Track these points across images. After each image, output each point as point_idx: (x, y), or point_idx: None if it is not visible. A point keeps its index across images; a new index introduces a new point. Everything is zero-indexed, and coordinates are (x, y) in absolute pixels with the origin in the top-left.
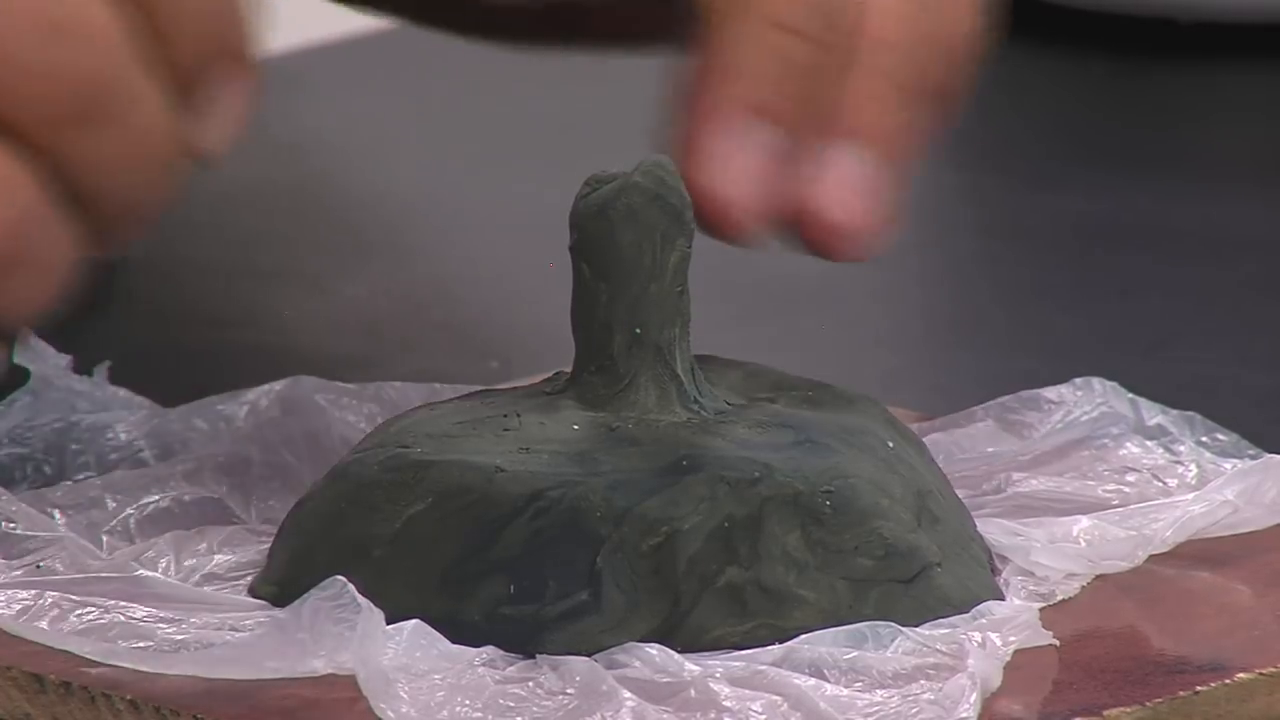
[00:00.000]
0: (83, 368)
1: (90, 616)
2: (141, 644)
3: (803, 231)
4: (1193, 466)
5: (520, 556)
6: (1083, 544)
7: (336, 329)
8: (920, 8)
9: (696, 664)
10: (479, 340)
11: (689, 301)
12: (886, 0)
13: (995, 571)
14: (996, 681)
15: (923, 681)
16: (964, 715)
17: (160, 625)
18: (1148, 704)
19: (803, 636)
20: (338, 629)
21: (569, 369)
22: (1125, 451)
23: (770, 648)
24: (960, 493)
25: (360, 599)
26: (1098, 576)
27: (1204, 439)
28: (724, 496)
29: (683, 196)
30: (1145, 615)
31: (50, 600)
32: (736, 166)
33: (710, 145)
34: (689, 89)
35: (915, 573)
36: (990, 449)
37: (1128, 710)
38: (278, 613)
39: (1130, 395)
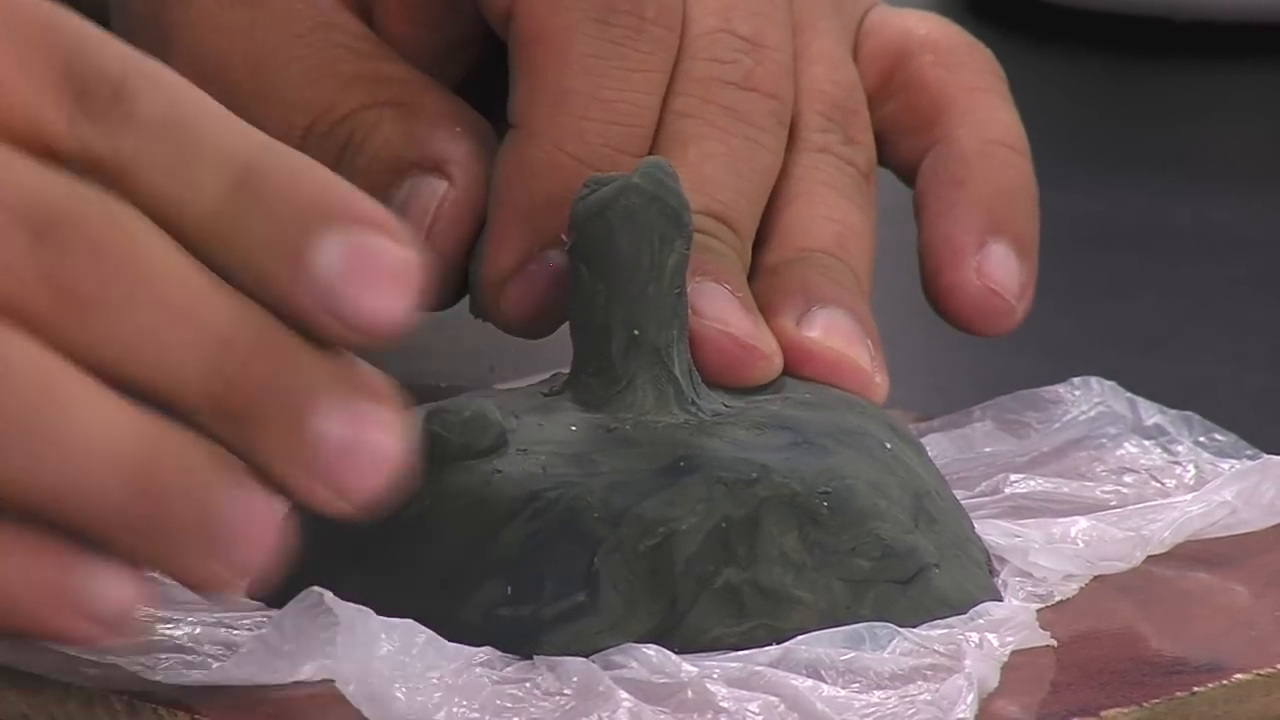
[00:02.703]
0: None
1: None
2: (139, 644)
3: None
4: (1190, 467)
5: (518, 557)
6: (1080, 545)
7: None
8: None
9: (693, 664)
10: (475, 341)
11: (687, 303)
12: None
13: (993, 572)
14: (994, 682)
15: (920, 682)
16: (961, 716)
17: (158, 625)
18: (1145, 704)
19: (800, 637)
20: (326, 634)
21: (567, 370)
22: (1123, 452)
23: (767, 648)
24: (958, 493)
25: (340, 606)
26: (1095, 577)
27: (1202, 439)
28: (721, 497)
29: (681, 198)
30: (1143, 616)
31: None
32: (1003, 268)
33: (986, 255)
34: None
35: (913, 574)
36: (988, 449)
37: (1125, 711)
38: (273, 612)
39: (1128, 395)
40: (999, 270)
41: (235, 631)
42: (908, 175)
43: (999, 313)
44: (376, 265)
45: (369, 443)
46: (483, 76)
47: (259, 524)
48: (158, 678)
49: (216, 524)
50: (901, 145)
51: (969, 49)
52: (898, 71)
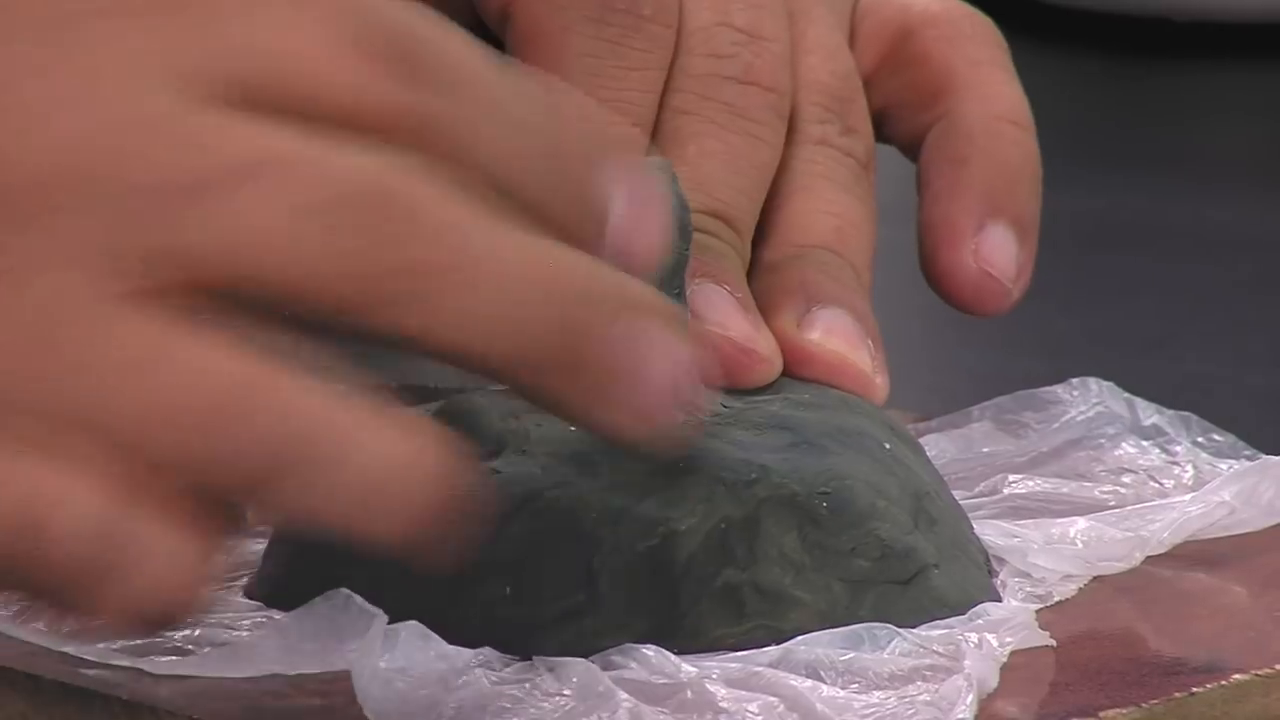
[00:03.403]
0: None
1: None
2: (138, 644)
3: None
4: (1189, 467)
5: (517, 557)
6: (1079, 545)
7: None
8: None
9: (693, 665)
10: None
11: (687, 304)
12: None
13: (992, 573)
14: (993, 683)
15: (919, 683)
16: (960, 716)
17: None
18: (1144, 705)
19: (800, 638)
20: (339, 635)
21: None
22: (1121, 452)
23: (767, 649)
24: (957, 494)
25: (368, 607)
26: (1094, 578)
27: (1200, 439)
28: (721, 498)
29: (681, 199)
30: (1142, 616)
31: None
32: (1001, 252)
33: (984, 238)
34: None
35: (912, 574)
36: (987, 449)
37: (1124, 711)
38: (276, 615)
39: (1126, 395)
40: (996, 253)
41: (235, 632)
42: (911, 151)
43: (994, 295)
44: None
45: (667, 379)
46: None
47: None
48: (160, 668)
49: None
50: (905, 121)
51: (970, 20)
52: (900, 48)
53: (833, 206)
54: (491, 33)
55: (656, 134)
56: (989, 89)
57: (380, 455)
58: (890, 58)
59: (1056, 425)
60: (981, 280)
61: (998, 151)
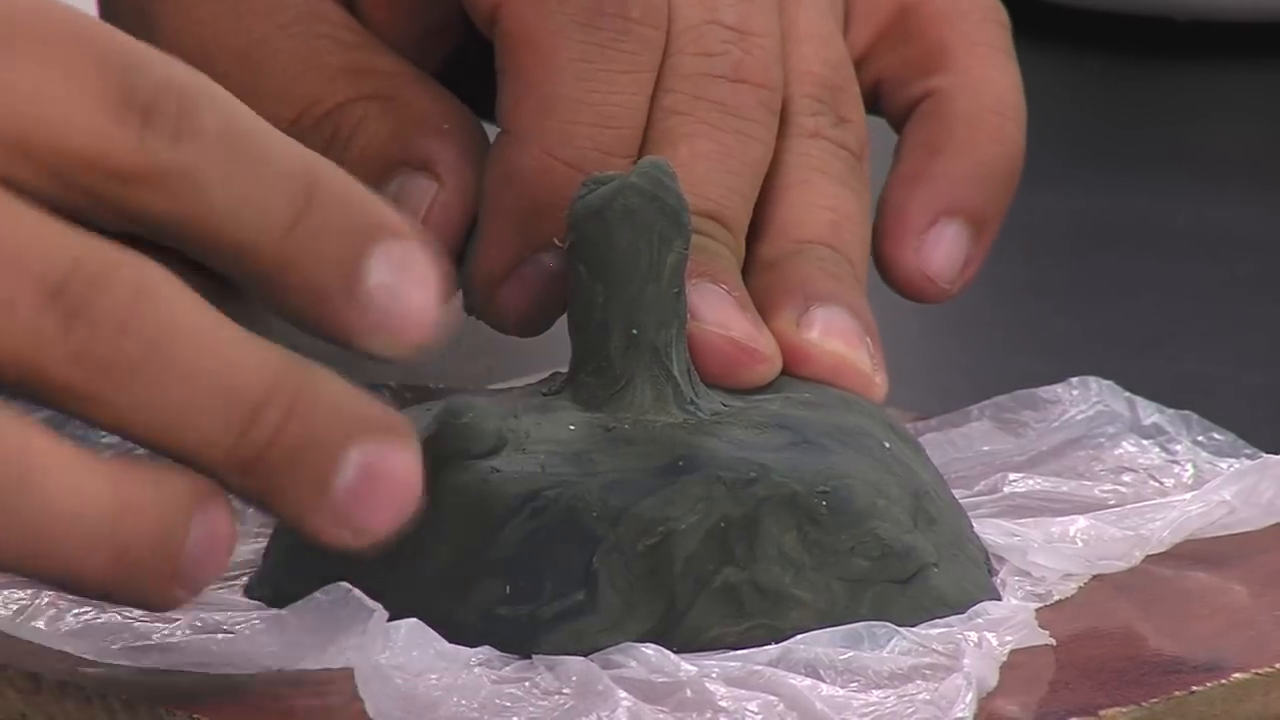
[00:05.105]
0: None
1: (86, 616)
2: (138, 643)
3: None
4: (1189, 466)
5: (516, 557)
6: (1079, 544)
7: None
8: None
9: (692, 664)
10: (473, 340)
11: (685, 302)
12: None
13: (992, 572)
14: (992, 681)
15: (919, 681)
16: (960, 715)
17: (157, 624)
18: (1144, 704)
19: (799, 636)
20: (338, 630)
21: (565, 370)
22: (1121, 451)
23: (766, 648)
24: (956, 493)
25: (367, 601)
26: (1094, 576)
27: (1200, 438)
28: (720, 497)
29: (680, 197)
30: (1142, 615)
31: (47, 599)
32: (944, 253)
33: (932, 236)
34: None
35: (912, 573)
36: (986, 448)
37: (1124, 710)
38: (279, 613)
39: (1127, 394)
40: (937, 253)
41: (234, 631)
42: (900, 125)
43: (929, 294)
44: (417, 276)
45: (389, 483)
46: (464, 61)
47: (218, 544)
48: (160, 667)
49: (182, 555)
50: (895, 96)
51: None
52: (898, 22)
53: (828, 200)
54: (484, 37)
55: (649, 135)
56: (980, 74)
57: (61, 497)
58: (888, 32)
59: (1056, 424)
60: (917, 280)
61: (973, 145)
